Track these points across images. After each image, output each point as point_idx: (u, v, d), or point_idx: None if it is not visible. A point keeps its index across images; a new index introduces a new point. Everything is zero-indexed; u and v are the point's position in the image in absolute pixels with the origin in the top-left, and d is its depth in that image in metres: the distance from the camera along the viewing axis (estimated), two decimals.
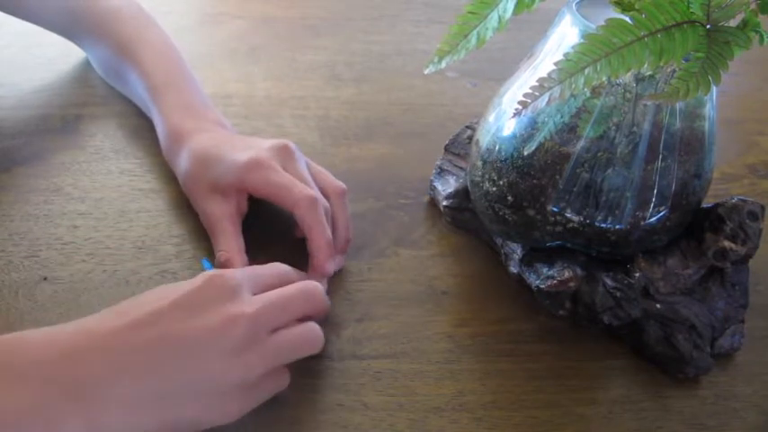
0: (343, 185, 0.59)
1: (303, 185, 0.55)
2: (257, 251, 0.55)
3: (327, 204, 0.56)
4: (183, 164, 0.60)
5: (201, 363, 0.42)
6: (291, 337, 0.46)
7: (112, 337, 0.41)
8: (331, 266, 0.54)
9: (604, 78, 0.40)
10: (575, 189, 0.50)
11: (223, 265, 0.54)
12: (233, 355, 0.42)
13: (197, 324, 0.42)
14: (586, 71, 0.40)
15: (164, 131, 0.63)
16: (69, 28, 0.75)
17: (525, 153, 0.50)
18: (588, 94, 0.48)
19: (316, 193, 0.55)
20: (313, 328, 0.47)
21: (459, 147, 0.64)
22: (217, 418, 0.43)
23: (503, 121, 0.53)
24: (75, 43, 0.76)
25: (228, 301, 0.44)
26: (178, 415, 0.41)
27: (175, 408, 0.41)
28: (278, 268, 0.51)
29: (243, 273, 0.47)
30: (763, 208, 0.52)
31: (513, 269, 0.56)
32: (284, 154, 0.57)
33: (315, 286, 0.49)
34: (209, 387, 0.42)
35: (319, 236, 0.54)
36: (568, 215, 0.51)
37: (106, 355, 0.40)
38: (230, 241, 0.55)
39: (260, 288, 0.47)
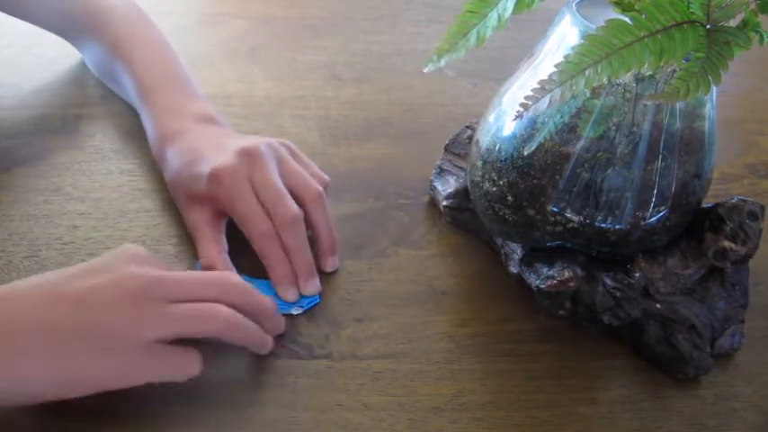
0: (320, 189, 0.57)
1: (258, 219, 0.54)
2: (245, 253, 0.55)
3: (296, 212, 0.54)
4: (167, 169, 0.60)
5: (89, 311, 0.43)
6: (190, 308, 0.45)
7: (10, 291, 0.44)
8: (293, 295, 0.54)
9: (605, 79, 0.40)
10: (575, 189, 0.50)
11: (204, 268, 0.55)
12: (123, 307, 0.43)
13: (96, 281, 0.44)
14: (587, 72, 0.40)
15: (151, 134, 0.63)
16: (65, 28, 0.75)
17: (525, 153, 0.50)
18: (588, 95, 0.48)
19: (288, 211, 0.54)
20: (217, 307, 0.46)
21: (459, 147, 0.64)
22: (112, 377, 0.43)
23: (503, 121, 0.53)
24: (72, 43, 0.76)
25: (132, 264, 0.45)
26: (66, 366, 0.42)
27: (63, 358, 0.42)
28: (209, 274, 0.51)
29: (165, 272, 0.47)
30: (763, 208, 0.52)
31: (513, 269, 0.56)
32: (252, 161, 0.55)
33: (236, 280, 0.49)
34: (97, 337, 0.43)
35: (275, 266, 0.54)
36: (568, 215, 0.51)
37: (24, 317, 0.42)
38: (209, 247, 0.55)
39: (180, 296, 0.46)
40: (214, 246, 0.55)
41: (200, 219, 0.56)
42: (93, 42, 0.72)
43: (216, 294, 0.47)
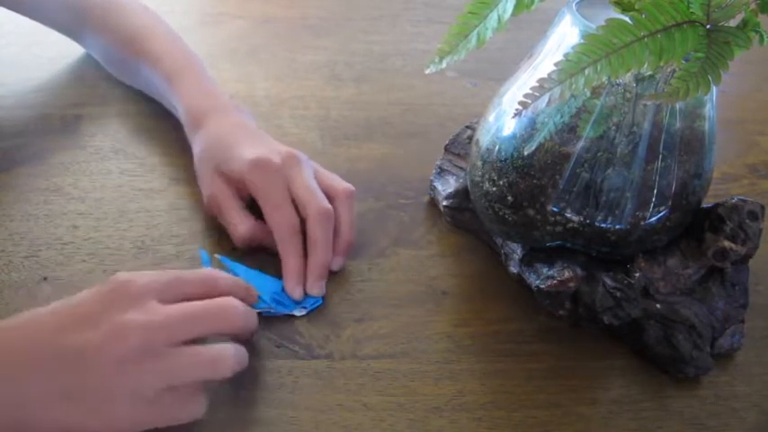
0: (352, 187, 0.59)
1: (287, 211, 0.55)
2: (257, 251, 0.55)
3: (328, 208, 0.56)
4: (198, 144, 0.61)
5: (89, 370, 0.41)
6: (195, 355, 0.44)
7: (7, 343, 0.42)
8: (298, 293, 0.54)
9: (604, 79, 0.40)
10: (575, 189, 0.50)
11: (240, 237, 0.56)
12: (122, 365, 0.41)
13: (90, 333, 0.42)
14: (586, 71, 0.40)
15: (184, 113, 0.64)
16: (71, 23, 0.75)
17: (525, 153, 0.50)
18: (588, 95, 0.48)
19: (315, 208, 0.56)
20: (223, 349, 0.45)
21: (459, 147, 0.64)
22: (109, 426, 0.42)
23: (503, 121, 0.53)
24: (77, 39, 0.76)
25: (128, 309, 0.43)
26: (63, 418, 0.41)
27: (60, 411, 0.41)
28: (202, 275, 0.49)
29: (153, 278, 0.45)
30: (763, 208, 0.52)
31: (513, 269, 0.56)
32: (291, 161, 0.57)
33: (231, 304, 0.47)
34: (97, 394, 0.42)
35: (288, 259, 0.54)
36: (568, 215, 0.51)
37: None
38: (240, 214, 0.56)
39: (175, 297, 0.45)
40: (243, 213, 0.57)
41: (224, 193, 0.57)
42: (104, 36, 0.72)
43: (214, 328, 0.46)
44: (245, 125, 0.62)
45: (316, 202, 0.55)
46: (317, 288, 0.54)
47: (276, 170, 0.56)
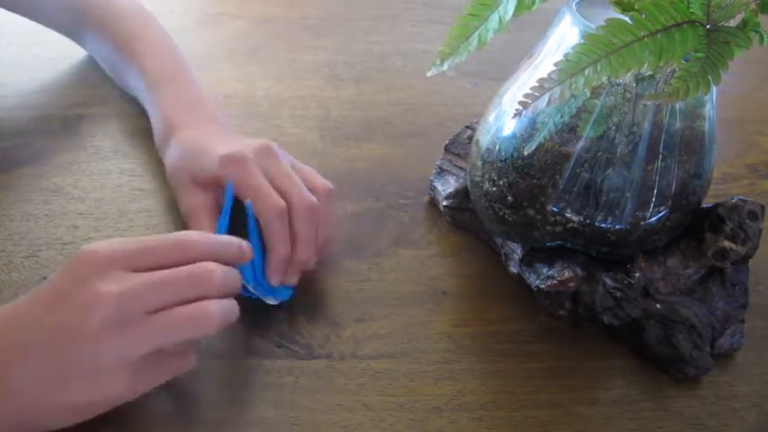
0: (331, 186, 0.57)
1: (275, 196, 0.53)
2: None
3: (314, 201, 0.54)
4: (169, 155, 0.60)
5: (71, 347, 0.42)
6: (173, 317, 0.43)
7: None
8: (277, 280, 0.53)
9: (604, 79, 0.40)
10: (575, 189, 0.50)
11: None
12: (101, 336, 0.42)
13: (61, 310, 0.42)
14: (586, 71, 0.40)
15: (157, 123, 0.64)
16: (70, 24, 0.75)
17: (525, 153, 0.50)
18: (588, 95, 0.48)
19: (296, 199, 0.54)
20: (203, 307, 0.44)
21: (459, 147, 0.64)
22: (107, 398, 0.43)
23: (503, 121, 0.53)
24: (76, 40, 0.76)
25: (95, 280, 0.42)
26: (64, 398, 0.42)
27: (59, 392, 0.42)
28: (174, 239, 0.47)
29: (119, 246, 0.44)
30: (763, 208, 0.52)
31: (513, 269, 0.56)
32: (265, 153, 0.55)
33: (207, 269, 0.45)
34: (85, 369, 0.42)
35: (278, 247, 0.53)
36: (568, 215, 0.51)
37: None
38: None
39: (147, 264, 0.44)
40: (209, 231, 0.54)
41: (199, 203, 0.56)
42: (102, 38, 0.72)
43: (191, 293, 0.44)
44: (217, 130, 0.61)
45: (299, 193, 0.54)
46: (292, 280, 0.54)
47: (250, 162, 0.54)
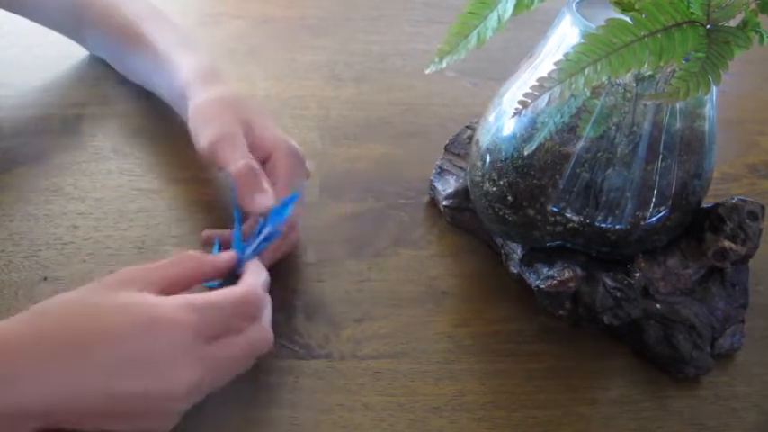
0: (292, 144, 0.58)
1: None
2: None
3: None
4: (213, 92, 0.59)
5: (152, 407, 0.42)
6: (239, 351, 0.45)
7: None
8: (258, 199, 0.52)
9: (604, 78, 0.40)
10: (575, 189, 0.50)
11: (243, 176, 0.53)
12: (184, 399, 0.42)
13: (141, 381, 0.41)
14: (586, 71, 0.40)
15: (192, 68, 0.63)
16: (71, 23, 0.75)
17: (525, 153, 0.50)
18: (588, 94, 0.48)
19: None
20: (263, 331, 0.46)
21: (459, 147, 0.64)
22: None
23: (503, 121, 0.53)
24: (77, 38, 0.76)
25: (177, 356, 0.42)
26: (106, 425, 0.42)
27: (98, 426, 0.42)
28: (189, 261, 0.48)
29: (201, 316, 0.43)
30: (763, 208, 0.52)
31: (513, 269, 0.56)
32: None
33: (269, 342, 0.47)
34: (129, 419, 0.42)
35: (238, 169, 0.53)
36: (568, 215, 0.51)
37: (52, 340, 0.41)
38: (245, 153, 0.54)
39: (216, 334, 0.44)
40: (248, 154, 0.55)
41: (238, 131, 0.55)
42: (102, 30, 0.72)
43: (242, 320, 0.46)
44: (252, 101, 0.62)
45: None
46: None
47: (301, 159, 0.58)
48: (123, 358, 0.41)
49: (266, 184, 0.53)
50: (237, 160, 0.53)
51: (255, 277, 0.48)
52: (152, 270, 0.46)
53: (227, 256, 0.50)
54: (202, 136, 0.56)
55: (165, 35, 0.68)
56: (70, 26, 0.75)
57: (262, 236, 0.51)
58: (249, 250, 0.51)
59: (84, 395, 0.40)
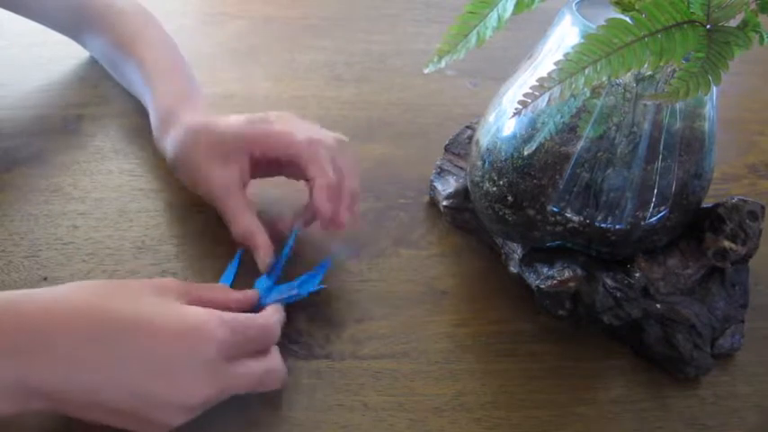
0: (343, 137, 0.58)
1: (305, 131, 0.55)
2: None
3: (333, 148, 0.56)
4: (174, 139, 0.58)
5: (148, 407, 0.42)
6: (253, 381, 0.45)
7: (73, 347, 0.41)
8: (327, 208, 0.53)
9: (604, 78, 0.40)
10: (575, 189, 0.50)
11: (242, 242, 0.54)
12: (176, 409, 0.42)
13: (158, 379, 0.41)
14: (586, 71, 0.40)
15: (155, 112, 0.63)
16: (71, 24, 0.75)
17: (525, 153, 0.50)
18: (588, 94, 0.48)
19: (320, 136, 0.55)
20: (277, 369, 0.47)
21: (459, 147, 0.64)
22: (154, 423, 0.42)
23: (503, 121, 0.53)
24: (77, 39, 0.76)
25: (211, 365, 0.43)
26: (110, 402, 0.41)
27: (101, 418, 0.41)
28: (220, 291, 0.50)
29: (230, 331, 0.44)
30: (763, 208, 0.52)
31: (513, 269, 0.56)
32: (282, 114, 0.57)
33: (283, 371, 0.48)
34: (137, 418, 0.42)
35: (321, 174, 0.53)
36: (568, 215, 0.51)
37: (81, 326, 0.41)
38: (243, 212, 0.54)
39: (237, 349, 0.45)
40: (247, 211, 0.55)
41: (226, 180, 0.55)
42: (101, 37, 0.72)
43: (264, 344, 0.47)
44: (218, 117, 0.60)
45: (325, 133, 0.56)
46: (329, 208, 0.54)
47: (269, 120, 0.56)
48: (153, 359, 0.41)
49: (264, 244, 0.54)
50: (233, 224, 0.54)
51: (275, 312, 0.49)
52: (190, 286, 0.48)
53: (252, 294, 0.51)
54: (200, 189, 0.57)
55: (154, 57, 0.67)
56: (69, 28, 0.75)
57: (289, 287, 0.53)
58: (272, 299, 0.52)
59: (103, 387, 0.40)
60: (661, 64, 0.41)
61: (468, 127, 0.65)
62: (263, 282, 0.53)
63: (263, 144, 0.55)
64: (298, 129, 0.56)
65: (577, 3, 0.50)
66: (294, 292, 0.53)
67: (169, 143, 0.59)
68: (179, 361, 0.42)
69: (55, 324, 0.40)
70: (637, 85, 0.47)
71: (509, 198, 0.52)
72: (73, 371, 0.40)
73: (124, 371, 0.41)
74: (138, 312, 0.42)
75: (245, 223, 0.54)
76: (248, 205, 0.55)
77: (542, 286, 0.52)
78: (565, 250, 0.53)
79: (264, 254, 0.53)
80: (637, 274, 0.51)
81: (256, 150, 0.55)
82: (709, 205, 0.53)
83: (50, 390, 0.40)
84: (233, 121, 0.57)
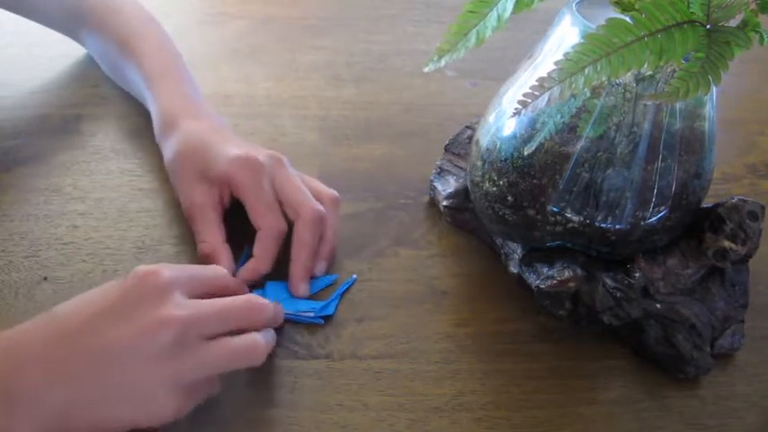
0: (337, 195, 0.59)
1: (277, 215, 0.54)
2: (239, 244, 0.55)
3: (322, 211, 0.55)
4: (172, 146, 0.60)
5: (129, 368, 0.41)
6: (228, 347, 0.44)
7: (43, 348, 0.41)
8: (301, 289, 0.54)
9: (604, 78, 0.40)
10: (575, 189, 0.50)
11: (205, 258, 0.54)
12: (161, 360, 0.42)
13: (124, 330, 0.42)
14: (586, 71, 0.40)
15: (157, 116, 0.63)
16: (71, 24, 0.75)
17: (525, 153, 0.50)
18: (588, 94, 0.48)
19: (307, 202, 0.55)
20: (254, 339, 0.45)
21: (459, 147, 0.64)
22: (152, 420, 0.42)
23: (503, 121, 0.53)
24: (76, 39, 0.76)
25: (159, 303, 0.42)
26: (110, 418, 0.41)
27: (107, 411, 0.41)
28: (215, 271, 0.49)
29: (177, 272, 0.45)
30: (763, 208, 0.52)
31: (513, 269, 0.56)
32: (277, 163, 0.56)
33: (258, 300, 0.47)
34: (139, 391, 0.42)
35: (266, 266, 0.54)
36: (568, 215, 0.51)
37: (38, 366, 0.41)
38: (213, 231, 0.55)
39: (196, 291, 0.45)
40: (218, 231, 0.55)
41: (205, 200, 0.56)
42: (101, 37, 0.73)
43: (244, 323, 0.46)
44: (220, 129, 0.61)
45: (309, 204, 0.55)
46: (302, 289, 0.54)
47: (262, 168, 0.55)
48: (103, 316, 0.42)
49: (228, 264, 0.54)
50: (201, 241, 0.55)
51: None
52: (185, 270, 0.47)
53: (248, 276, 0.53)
54: (180, 201, 0.58)
55: (153, 58, 0.67)
56: (69, 27, 0.76)
57: (309, 307, 0.54)
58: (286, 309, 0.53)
59: (77, 373, 0.41)
60: (661, 64, 0.41)
61: (468, 127, 0.65)
62: (271, 287, 0.54)
63: (243, 194, 0.55)
64: (274, 209, 0.55)
65: (577, 3, 0.50)
66: (311, 314, 0.53)
67: (168, 148, 0.60)
68: (127, 308, 0.42)
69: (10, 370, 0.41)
70: (637, 85, 0.47)
71: (509, 198, 0.52)
72: (51, 380, 0.40)
73: (89, 345, 0.41)
74: (82, 302, 0.43)
75: (212, 242, 0.54)
76: (219, 228, 0.55)
77: (542, 286, 0.52)
78: (565, 250, 0.53)
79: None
80: (637, 274, 0.51)
81: (235, 190, 0.56)
82: (709, 205, 0.53)
83: (44, 407, 0.40)
84: (229, 150, 0.56)
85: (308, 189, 0.57)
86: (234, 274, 0.54)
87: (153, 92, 0.65)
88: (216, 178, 0.56)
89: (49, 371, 0.40)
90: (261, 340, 0.45)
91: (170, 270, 0.44)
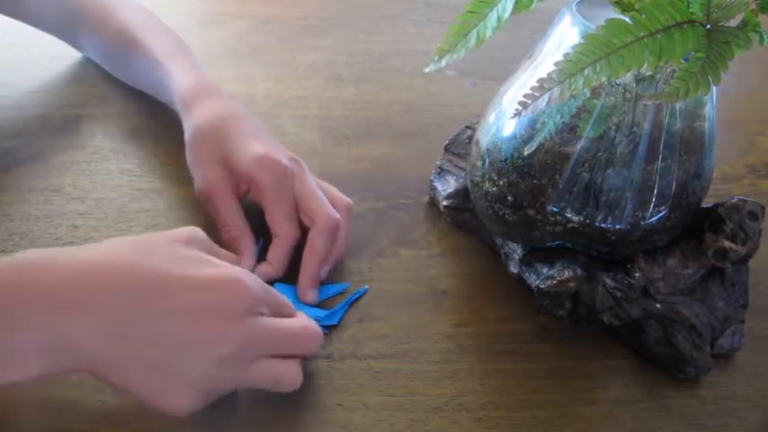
0: (351, 202, 0.59)
1: (294, 225, 0.55)
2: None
3: (338, 219, 0.56)
4: (191, 124, 0.59)
5: (183, 355, 0.42)
6: (272, 372, 0.45)
7: (116, 298, 0.41)
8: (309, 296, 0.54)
9: (604, 79, 0.40)
10: (575, 189, 0.50)
11: (233, 241, 0.54)
12: (210, 366, 0.42)
13: (199, 327, 0.42)
14: (586, 71, 0.40)
15: (176, 91, 0.63)
16: (68, 26, 0.75)
17: (525, 153, 0.50)
18: (588, 95, 0.48)
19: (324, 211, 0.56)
20: (297, 371, 0.46)
21: (459, 147, 0.64)
22: (165, 407, 0.43)
23: (503, 122, 0.53)
24: (74, 42, 0.76)
25: (237, 316, 0.43)
26: (134, 383, 0.42)
27: (137, 377, 0.42)
28: (284, 299, 0.49)
29: (262, 289, 0.46)
30: (763, 208, 0.52)
31: (513, 269, 0.56)
32: (298, 166, 0.57)
33: (316, 333, 0.47)
34: (174, 378, 0.42)
35: (277, 269, 0.54)
36: (568, 215, 0.51)
37: (101, 312, 0.41)
38: (238, 216, 0.55)
39: (264, 311, 0.45)
40: (241, 217, 0.55)
41: (225, 185, 0.56)
42: (101, 34, 0.72)
43: (296, 351, 0.47)
44: (241, 115, 0.60)
45: (326, 212, 0.55)
46: (310, 296, 0.54)
47: (285, 172, 0.55)
48: (189, 309, 0.42)
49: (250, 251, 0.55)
50: (225, 225, 0.55)
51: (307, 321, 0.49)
52: (213, 245, 0.49)
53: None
54: (195, 181, 0.58)
55: (160, 43, 0.68)
56: (66, 30, 0.75)
57: (315, 314, 0.53)
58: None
59: (142, 339, 0.41)
60: (661, 64, 0.41)
61: (468, 127, 0.65)
62: (280, 288, 0.54)
63: (262, 195, 0.55)
64: (291, 218, 0.55)
65: (577, 3, 0.50)
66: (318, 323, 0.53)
67: (189, 123, 0.60)
68: (214, 309, 0.43)
69: (93, 281, 0.41)
70: (637, 85, 0.47)
71: (509, 198, 0.52)
72: (111, 326, 0.41)
73: (162, 322, 0.42)
74: (170, 268, 0.43)
75: (240, 226, 0.55)
76: (241, 213, 0.56)
77: (542, 286, 0.52)
78: (565, 250, 0.53)
79: (247, 265, 0.54)
80: (637, 274, 0.51)
81: (254, 189, 0.56)
82: (709, 205, 0.53)
83: (88, 348, 0.40)
84: (254, 147, 0.56)
85: (325, 194, 0.57)
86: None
87: (167, 72, 0.65)
88: (236, 171, 0.56)
89: (109, 319, 0.41)
90: (300, 373, 0.46)
91: (256, 284, 0.45)
